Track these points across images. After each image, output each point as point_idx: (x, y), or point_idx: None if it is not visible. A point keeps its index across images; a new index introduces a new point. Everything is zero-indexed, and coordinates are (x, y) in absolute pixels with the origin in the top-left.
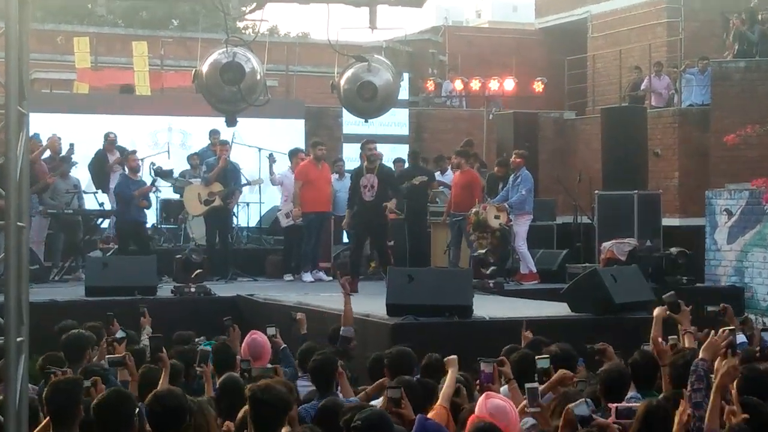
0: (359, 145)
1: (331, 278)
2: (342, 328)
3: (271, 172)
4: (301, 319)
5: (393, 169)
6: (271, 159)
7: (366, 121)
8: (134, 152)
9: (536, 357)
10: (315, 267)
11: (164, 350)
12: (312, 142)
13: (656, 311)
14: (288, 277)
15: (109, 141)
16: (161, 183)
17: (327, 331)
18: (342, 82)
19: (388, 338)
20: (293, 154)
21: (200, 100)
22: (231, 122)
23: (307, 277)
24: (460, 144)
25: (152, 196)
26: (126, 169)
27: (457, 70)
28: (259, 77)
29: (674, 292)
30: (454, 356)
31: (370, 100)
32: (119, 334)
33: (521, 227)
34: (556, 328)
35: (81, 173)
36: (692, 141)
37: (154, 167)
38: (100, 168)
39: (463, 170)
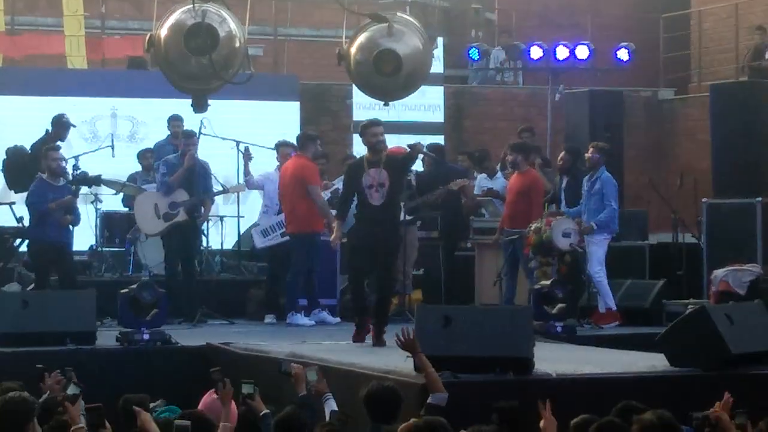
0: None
1: (338, 320)
2: (431, 395)
3: (246, 173)
4: (297, 374)
5: (405, 158)
6: (247, 155)
7: (386, 104)
8: (56, 147)
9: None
10: (317, 305)
11: (107, 424)
12: (310, 135)
13: None
14: (269, 318)
15: (62, 126)
16: (104, 191)
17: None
18: (353, 50)
19: (417, 403)
20: (281, 147)
21: (157, 76)
22: (200, 107)
23: (303, 319)
24: (517, 133)
25: (86, 207)
26: (43, 172)
27: (512, 33)
28: (238, 44)
29: None
30: None
31: (391, 76)
32: (71, 389)
33: (598, 248)
34: (650, 389)
35: None
36: None
37: (77, 172)
38: (31, 161)
39: (522, 170)
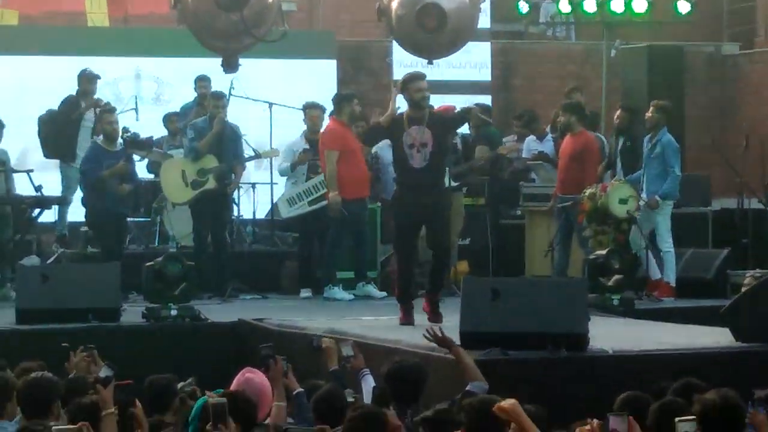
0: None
1: (384, 294)
2: (469, 384)
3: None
4: (329, 347)
5: (453, 118)
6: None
7: (429, 63)
8: (111, 109)
9: (677, 419)
10: (362, 278)
11: (137, 403)
12: (344, 95)
13: None
14: (306, 292)
15: (87, 79)
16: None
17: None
18: (394, 5)
19: (463, 382)
20: (304, 111)
21: (184, 34)
22: (230, 66)
23: (340, 293)
24: (565, 93)
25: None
26: (98, 135)
27: None
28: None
29: None
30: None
31: (435, 32)
32: (103, 371)
33: (664, 217)
34: (714, 365)
35: (11, 142)
36: None
37: (127, 134)
38: (64, 124)
39: (575, 132)
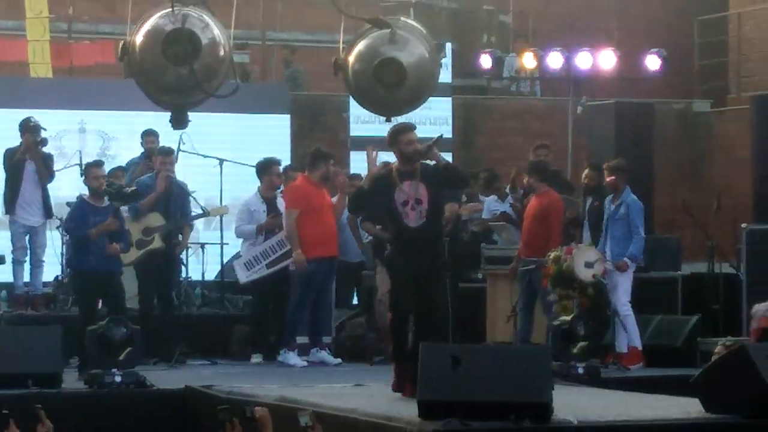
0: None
1: (339, 361)
2: None
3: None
4: (262, 417)
5: (455, 174)
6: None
7: (387, 120)
8: (98, 163)
9: None
10: (316, 344)
11: None
12: (323, 153)
13: None
14: (257, 357)
15: (31, 130)
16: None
17: None
18: (351, 59)
19: None
20: (265, 169)
21: (130, 86)
22: (180, 123)
23: (294, 358)
24: (532, 150)
25: (51, 234)
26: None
27: (528, 37)
28: (222, 52)
29: None
30: None
31: (394, 88)
32: None
33: (625, 278)
34: None
35: None
36: None
37: (112, 187)
38: (11, 175)
39: (540, 192)
